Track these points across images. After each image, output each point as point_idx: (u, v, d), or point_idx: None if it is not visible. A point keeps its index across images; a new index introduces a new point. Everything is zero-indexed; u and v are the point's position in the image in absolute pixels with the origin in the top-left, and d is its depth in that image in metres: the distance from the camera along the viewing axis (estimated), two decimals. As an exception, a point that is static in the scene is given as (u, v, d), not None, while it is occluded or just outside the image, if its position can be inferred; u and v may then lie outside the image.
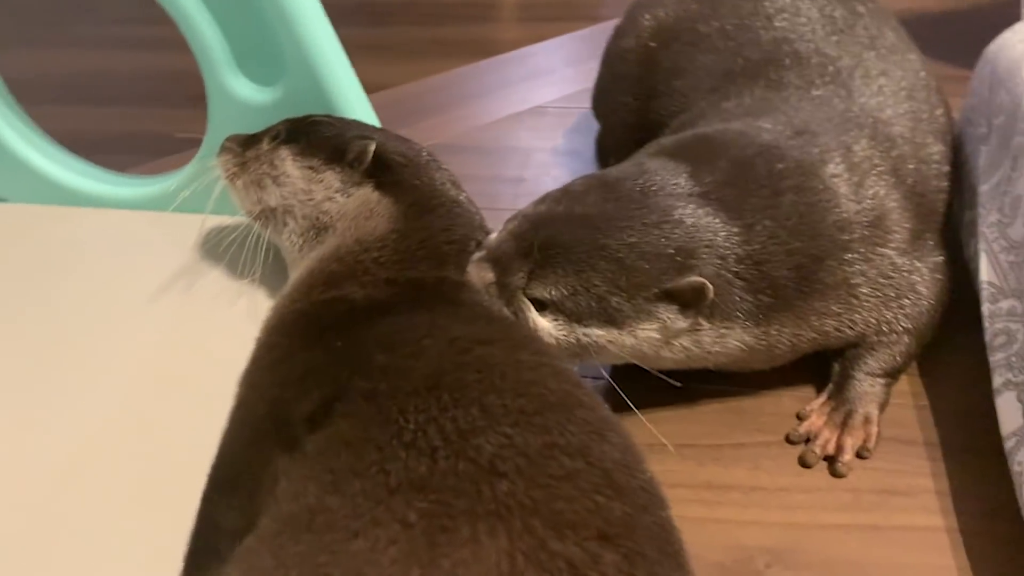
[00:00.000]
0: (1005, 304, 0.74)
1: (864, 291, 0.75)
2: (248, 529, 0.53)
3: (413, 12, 2.29)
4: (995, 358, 0.72)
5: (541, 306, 0.70)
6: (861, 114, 0.81)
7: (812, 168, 0.74)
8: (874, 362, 0.76)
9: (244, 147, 0.79)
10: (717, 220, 0.70)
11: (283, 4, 0.81)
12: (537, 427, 0.51)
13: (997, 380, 0.71)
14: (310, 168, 0.76)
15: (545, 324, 0.70)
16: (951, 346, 0.82)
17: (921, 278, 0.78)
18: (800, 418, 0.77)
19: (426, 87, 1.41)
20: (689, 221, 0.69)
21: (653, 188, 0.71)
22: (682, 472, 0.73)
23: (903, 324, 0.77)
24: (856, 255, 0.74)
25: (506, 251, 0.70)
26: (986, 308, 0.75)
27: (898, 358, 0.77)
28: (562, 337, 0.70)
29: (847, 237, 0.74)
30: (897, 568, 0.66)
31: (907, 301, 0.77)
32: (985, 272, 0.77)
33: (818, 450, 0.73)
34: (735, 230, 0.70)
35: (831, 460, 0.73)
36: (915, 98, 0.85)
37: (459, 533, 0.45)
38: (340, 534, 0.46)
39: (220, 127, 0.88)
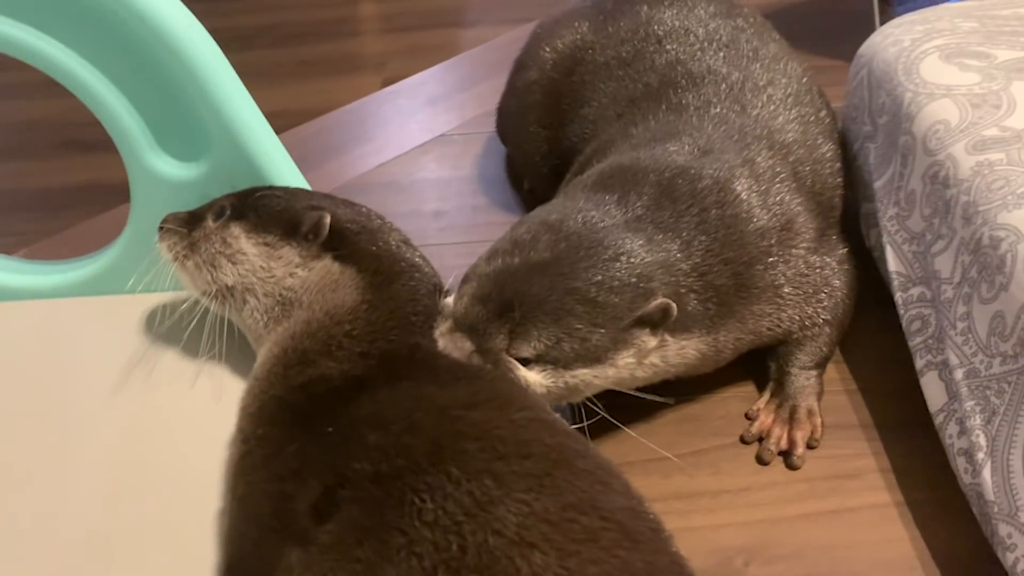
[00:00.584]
0: (915, 291, 0.82)
1: (787, 291, 0.82)
2: None
3: (273, 34, 2.25)
4: (914, 343, 0.80)
5: (526, 361, 0.72)
6: (756, 126, 0.87)
7: (727, 184, 0.80)
8: (804, 356, 0.83)
9: (188, 226, 0.79)
10: (659, 241, 0.75)
11: (203, 79, 0.80)
12: (549, 489, 0.54)
13: (919, 362, 0.79)
14: (266, 244, 0.75)
15: (535, 378, 0.72)
16: (865, 329, 0.90)
17: (832, 272, 0.85)
18: (749, 418, 0.83)
19: (321, 127, 1.41)
20: (636, 249, 0.74)
21: (594, 222, 0.75)
22: (651, 486, 0.78)
23: (823, 316, 0.84)
24: (776, 258, 0.80)
25: (478, 317, 0.71)
26: (898, 297, 0.83)
27: (824, 348, 0.84)
28: (551, 385, 0.72)
29: (766, 243, 0.80)
30: (859, 546, 0.72)
31: (823, 295, 0.84)
32: (892, 263, 0.85)
33: (773, 447, 0.79)
34: (676, 247, 0.75)
35: (786, 455, 0.79)
36: (801, 103, 0.92)
37: None
38: None
39: (145, 206, 0.87)
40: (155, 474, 0.74)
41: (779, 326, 0.82)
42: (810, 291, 0.83)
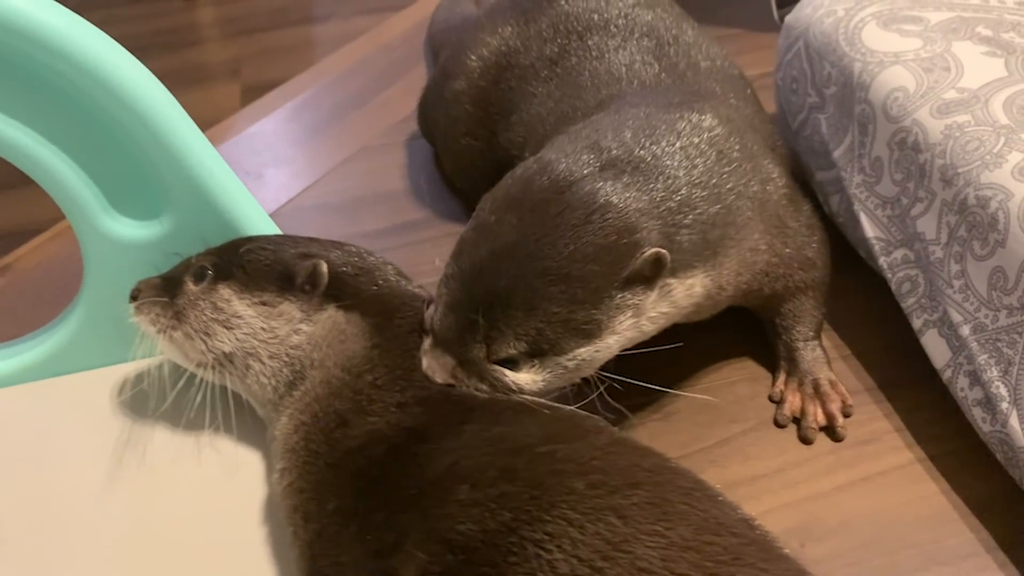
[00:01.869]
0: (898, 254, 0.85)
1: (775, 223, 0.79)
2: None
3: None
4: (907, 304, 0.84)
5: (513, 362, 0.66)
6: (707, 91, 0.87)
7: (701, 121, 0.75)
8: (804, 327, 0.85)
9: (167, 294, 0.72)
10: (639, 182, 0.68)
11: (159, 130, 0.73)
12: (674, 516, 0.53)
13: (916, 322, 0.82)
14: (263, 304, 0.70)
15: (527, 377, 0.66)
16: (841, 293, 0.93)
17: (810, 223, 0.85)
18: (773, 401, 0.84)
19: (228, 155, 1.32)
20: (615, 198, 0.66)
21: (562, 179, 0.68)
22: (688, 483, 0.78)
23: (813, 276, 0.84)
24: (760, 191, 0.77)
25: (451, 328, 0.66)
26: (883, 261, 0.86)
27: (817, 312, 0.86)
28: (549, 376, 0.67)
29: (748, 177, 0.76)
30: (897, 508, 0.76)
31: (805, 239, 0.83)
32: (869, 229, 0.88)
33: (813, 424, 0.81)
34: (659, 183, 0.69)
35: (828, 429, 0.81)
36: (730, 81, 0.93)
37: None
38: None
39: (101, 274, 0.79)
40: (180, 565, 0.69)
41: (772, 255, 0.80)
42: (790, 221, 0.81)
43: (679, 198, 0.69)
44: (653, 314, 0.70)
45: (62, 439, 0.77)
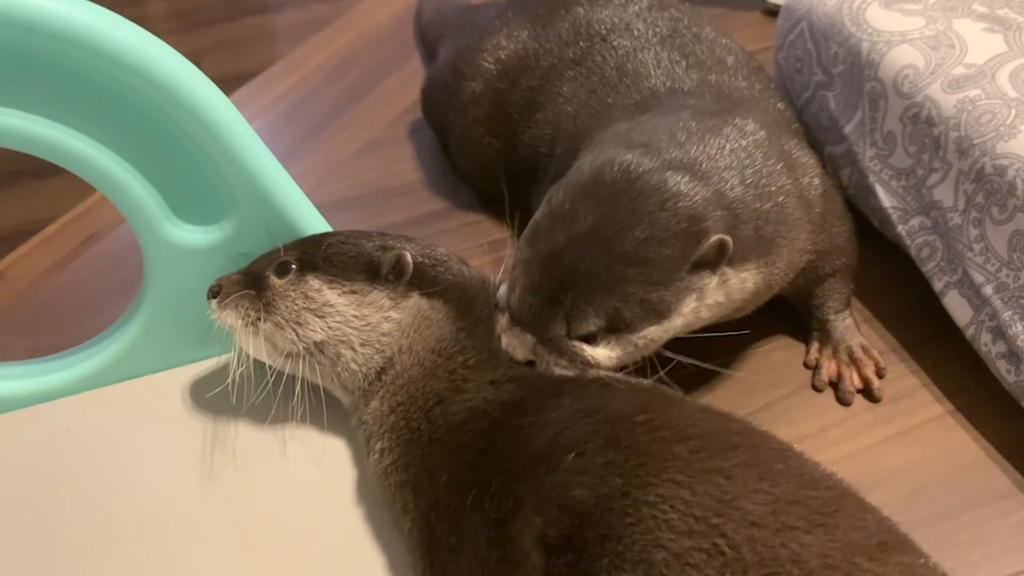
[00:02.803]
0: (915, 222, 0.91)
1: (816, 214, 0.84)
2: None
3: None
4: (927, 268, 0.89)
5: (590, 339, 0.71)
6: (733, 92, 0.93)
7: (747, 126, 0.80)
8: (835, 302, 0.90)
9: (249, 288, 0.74)
10: (704, 173, 0.74)
11: (223, 136, 0.75)
12: (773, 474, 0.57)
13: (938, 285, 0.88)
14: (353, 292, 0.73)
15: (603, 352, 0.72)
16: (858, 262, 0.99)
17: (837, 201, 0.90)
18: (808, 367, 0.89)
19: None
20: (684, 188, 0.71)
21: (632, 171, 0.72)
22: (740, 447, 0.83)
23: (840, 241, 0.89)
24: (801, 186, 0.82)
25: (532, 308, 0.71)
26: (900, 229, 0.92)
27: (847, 286, 0.91)
28: (621, 353, 0.72)
29: (793, 176, 0.81)
30: (936, 458, 0.81)
31: (837, 221, 0.89)
32: (886, 199, 0.94)
33: (851, 388, 0.86)
34: (722, 177, 0.74)
35: (865, 392, 0.86)
36: (751, 70, 0.98)
37: None
38: None
39: (164, 280, 0.81)
40: (281, 557, 0.71)
41: (813, 253, 0.85)
42: (829, 216, 0.87)
43: (735, 195, 0.75)
44: (710, 301, 0.75)
45: (139, 444, 0.79)
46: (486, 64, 1.07)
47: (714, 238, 0.71)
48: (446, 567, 0.62)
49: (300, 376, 0.75)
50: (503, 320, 0.73)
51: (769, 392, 0.88)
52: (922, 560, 0.56)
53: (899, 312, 0.94)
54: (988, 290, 0.82)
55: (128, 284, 1.00)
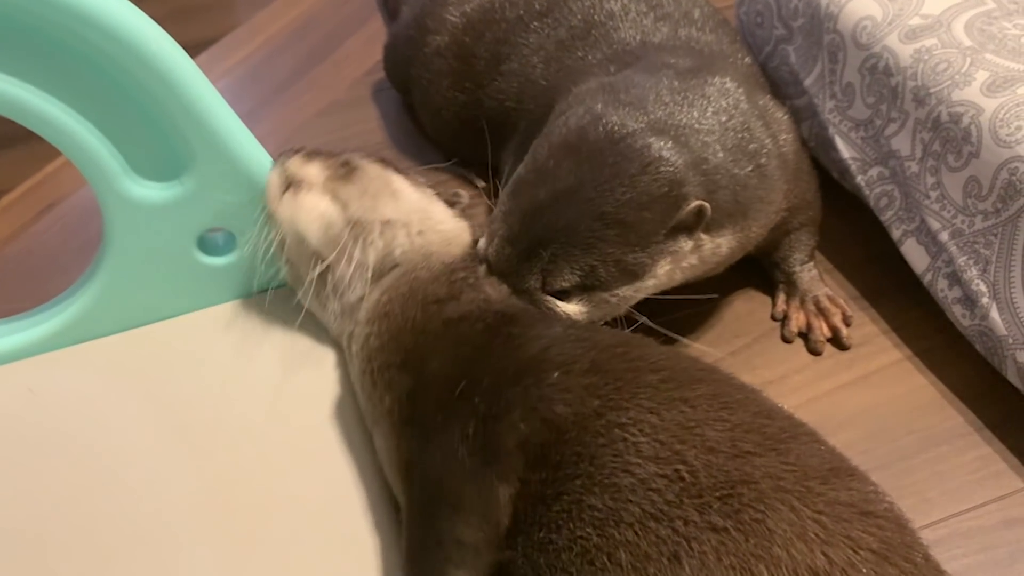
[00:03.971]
0: (874, 172, 0.92)
1: (790, 172, 0.85)
2: (488, 543, 0.58)
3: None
4: (886, 217, 0.91)
5: (564, 294, 0.72)
6: (703, 45, 0.93)
7: (726, 84, 0.81)
8: (801, 254, 0.92)
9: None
10: (687, 139, 0.75)
11: (183, 92, 0.74)
12: (731, 405, 0.60)
13: (896, 233, 0.90)
14: (425, 195, 0.79)
15: (575, 308, 0.73)
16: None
17: (803, 153, 0.91)
18: (777, 319, 0.91)
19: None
20: (667, 153, 0.72)
21: (616, 132, 0.73)
22: (704, 395, 0.85)
23: (810, 195, 0.90)
24: (776, 145, 0.83)
25: (509, 260, 0.72)
26: (859, 179, 0.94)
27: (813, 239, 0.93)
28: (593, 310, 0.74)
29: (768, 134, 0.82)
30: (895, 400, 0.84)
31: (805, 174, 0.90)
32: (845, 150, 0.95)
33: (821, 337, 0.88)
34: (703, 143, 0.75)
35: (834, 340, 0.88)
36: (717, 21, 0.98)
37: (766, 522, 0.53)
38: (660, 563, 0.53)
39: (123, 237, 0.79)
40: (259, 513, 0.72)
41: (786, 211, 0.86)
42: (800, 171, 0.88)
43: (716, 160, 0.76)
44: (684, 264, 0.77)
45: (102, 404, 0.78)
46: (451, 17, 1.06)
47: (693, 204, 0.72)
48: (428, 441, 0.63)
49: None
50: (480, 269, 0.74)
51: (732, 341, 0.90)
52: (871, 487, 0.58)
53: (859, 262, 0.95)
54: (944, 236, 0.84)
55: (91, 246, 0.98)
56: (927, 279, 0.87)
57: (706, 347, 0.87)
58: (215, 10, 2.86)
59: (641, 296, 0.76)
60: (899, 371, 0.86)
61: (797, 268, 0.91)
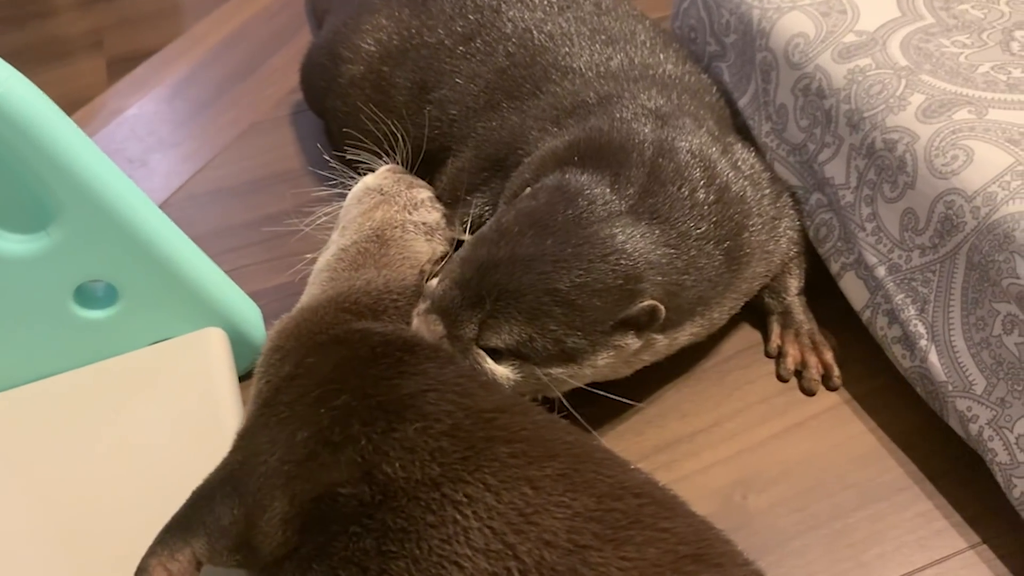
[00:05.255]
0: (813, 199, 0.86)
1: (770, 243, 0.82)
2: (240, 532, 0.57)
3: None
4: (824, 249, 0.85)
5: (496, 353, 0.69)
6: (662, 74, 0.87)
7: (701, 153, 0.77)
8: (795, 282, 0.87)
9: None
10: (653, 236, 0.71)
11: (38, 138, 0.68)
12: (581, 485, 0.54)
13: (834, 266, 0.84)
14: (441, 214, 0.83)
15: (503, 371, 0.69)
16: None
17: (779, 196, 0.85)
18: (772, 355, 0.85)
19: (109, 140, 1.24)
20: (630, 247, 0.70)
21: (585, 216, 0.71)
22: (629, 447, 0.79)
23: (795, 247, 0.86)
24: (755, 216, 0.79)
25: (453, 302, 0.68)
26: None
27: (803, 268, 0.87)
28: (521, 380, 0.70)
29: (746, 205, 0.78)
30: (832, 450, 0.78)
31: (787, 223, 0.85)
32: (785, 177, 0.89)
33: (816, 376, 0.82)
34: (671, 241, 0.72)
35: (825, 379, 0.83)
36: (663, 40, 0.92)
37: None
38: None
39: (-13, 294, 0.73)
40: None
41: (768, 275, 0.84)
42: (780, 229, 0.84)
43: (687, 258, 0.72)
44: (632, 359, 0.74)
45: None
46: (367, 46, 1.00)
47: (646, 303, 0.69)
48: (265, 425, 0.60)
49: None
50: (422, 305, 0.70)
51: (661, 384, 0.84)
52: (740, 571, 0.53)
53: (809, 288, 0.89)
54: (881, 271, 0.78)
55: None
56: (866, 316, 0.81)
57: (627, 399, 0.80)
58: (161, 19, 2.78)
59: (575, 383, 0.72)
60: (838, 416, 0.80)
61: (789, 298, 0.86)
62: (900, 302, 0.77)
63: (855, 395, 0.82)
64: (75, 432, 0.75)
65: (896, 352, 0.78)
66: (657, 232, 0.71)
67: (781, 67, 0.87)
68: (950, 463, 0.75)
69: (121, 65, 1.84)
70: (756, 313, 0.88)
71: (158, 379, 0.78)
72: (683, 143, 0.77)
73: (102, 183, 0.71)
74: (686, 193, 0.74)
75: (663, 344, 0.75)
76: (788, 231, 0.84)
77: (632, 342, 0.71)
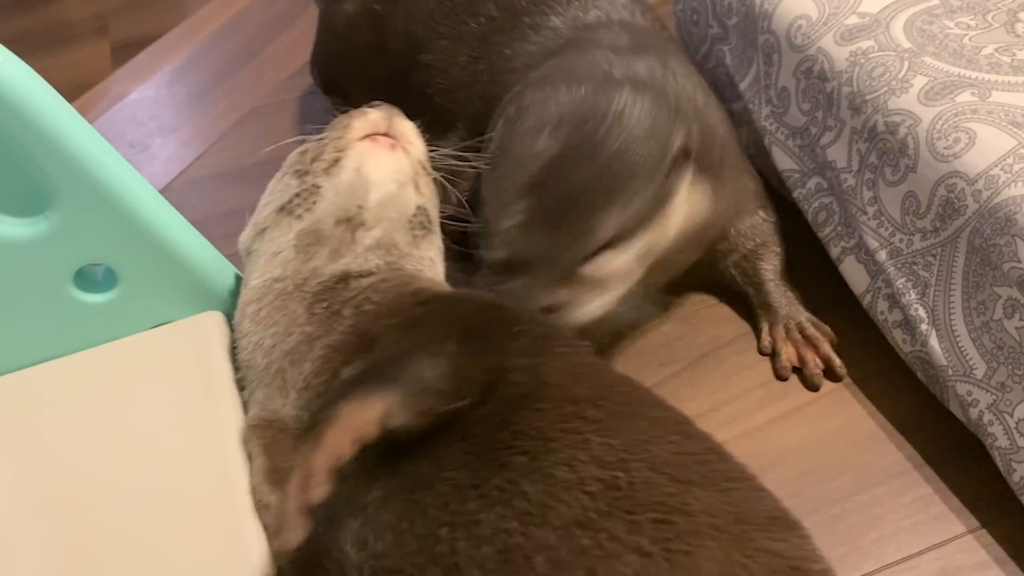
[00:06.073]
0: (812, 183, 0.86)
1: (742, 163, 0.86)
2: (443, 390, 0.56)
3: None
4: (824, 233, 0.84)
5: (602, 252, 0.71)
6: (639, 26, 0.88)
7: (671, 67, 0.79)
8: (768, 264, 0.86)
9: None
10: (665, 98, 0.74)
11: (33, 120, 0.67)
12: (687, 434, 0.58)
13: (834, 250, 0.83)
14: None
15: (622, 265, 0.72)
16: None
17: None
18: (765, 353, 0.84)
19: (111, 124, 1.24)
20: (649, 107, 0.72)
21: (600, 102, 0.72)
22: (627, 431, 0.79)
23: (771, 219, 0.89)
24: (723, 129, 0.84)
25: (536, 243, 0.70)
26: (797, 193, 0.87)
27: (778, 250, 0.88)
28: (634, 265, 0.73)
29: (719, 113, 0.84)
30: (830, 435, 0.78)
31: (753, 189, 0.88)
32: (781, 161, 0.88)
33: (817, 371, 0.81)
34: (678, 100, 0.75)
35: (828, 371, 0.82)
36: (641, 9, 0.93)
37: (695, 557, 0.48)
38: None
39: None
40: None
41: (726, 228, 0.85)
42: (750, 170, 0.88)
43: (691, 112, 0.76)
44: (686, 210, 0.76)
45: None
46: None
47: (680, 140, 0.73)
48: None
49: None
50: (488, 278, 0.72)
51: (659, 370, 0.84)
52: (810, 546, 0.54)
53: (797, 278, 0.88)
54: (882, 256, 0.78)
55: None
56: (866, 301, 0.81)
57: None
58: (165, 3, 2.77)
59: (665, 244, 0.75)
60: (836, 401, 0.80)
61: (767, 280, 0.86)
62: (901, 286, 0.76)
63: (855, 379, 0.81)
64: (74, 416, 0.74)
65: (897, 337, 0.78)
66: (670, 95, 0.75)
67: (783, 49, 0.86)
68: (949, 448, 0.75)
69: (125, 50, 1.84)
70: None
71: (157, 363, 0.77)
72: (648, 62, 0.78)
73: (100, 167, 0.71)
74: (682, 74, 0.79)
75: (699, 189, 0.77)
76: (757, 201, 0.87)
77: (684, 181, 0.74)
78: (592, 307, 0.72)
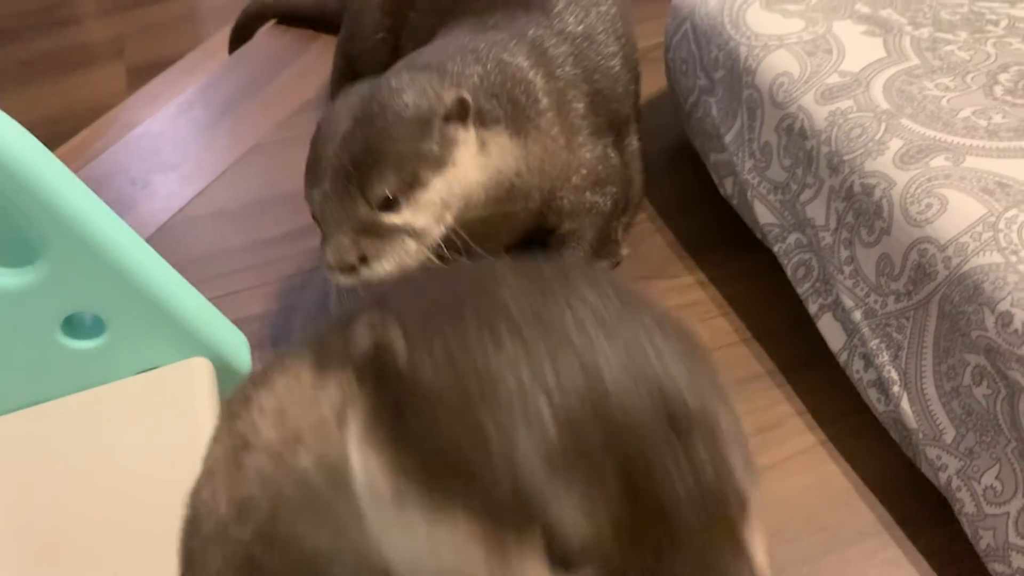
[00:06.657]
0: (791, 239, 0.87)
1: (581, 135, 0.91)
2: None
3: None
4: (803, 289, 0.85)
5: (392, 206, 0.77)
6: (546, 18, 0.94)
7: (524, 35, 0.91)
8: (589, 233, 0.93)
9: None
10: (451, 52, 0.85)
11: (22, 174, 0.69)
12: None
13: (812, 307, 0.84)
14: None
15: (413, 218, 0.78)
16: (738, 275, 0.95)
17: (610, 159, 0.95)
18: None
19: (113, 158, 1.26)
20: (432, 60, 0.84)
21: (379, 81, 0.83)
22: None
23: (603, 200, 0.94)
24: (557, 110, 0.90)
25: (329, 201, 0.78)
26: (777, 247, 0.88)
27: (591, 241, 0.93)
28: (429, 217, 0.79)
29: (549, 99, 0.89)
30: (804, 492, 0.78)
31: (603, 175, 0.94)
32: (763, 216, 0.89)
33: None
34: (467, 56, 0.84)
35: None
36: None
37: None
38: None
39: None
40: None
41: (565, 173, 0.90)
42: (586, 148, 0.91)
43: (482, 69, 0.84)
44: (479, 161, 0.81)
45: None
46: None
47: (452, 93, 0.79)
48: None
49: None
50: (321, 245, 0.80)
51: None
52: None
53: (776, 332, 0.89)
54: (857, 315, 0.78)
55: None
56: (843, 358, 0.81)
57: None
58: (182, 26, 2.82)
59: (458, 194, 0.80)
60: (812, 458, 0.80)
61: (587, 247, 0.92)
62: (875, 347, 0.77)
63: (831, 436, 0.82)
64: (59, 460, 0.76)
65: (872, 396, 0.78)
66: (452, 50, 0.85)
67: (766, 105, 0.87)
68: (922, 508, 0.75)
69: (140, 73, 1.87)
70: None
71: (143, 408, 0.79)
72: (508, 32, 0.89)
73: (88, 220, 0.73)
74: (471, 47, 0.86)
75: (491, 145, 0.82)
76: (590, 177, 0.92)
77: (467, 134, 0.80)
78: (403, 253, 0.78)
